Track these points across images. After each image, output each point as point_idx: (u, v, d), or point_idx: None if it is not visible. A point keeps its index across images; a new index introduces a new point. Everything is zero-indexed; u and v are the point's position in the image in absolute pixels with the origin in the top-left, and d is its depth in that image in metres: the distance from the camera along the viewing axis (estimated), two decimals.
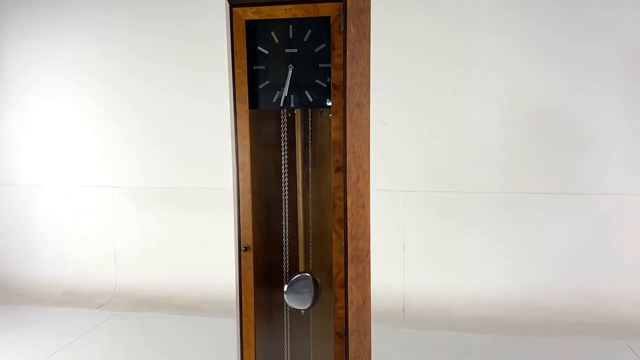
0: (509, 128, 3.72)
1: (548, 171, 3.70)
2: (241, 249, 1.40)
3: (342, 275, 1.36)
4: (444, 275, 3.86)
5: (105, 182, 4.28)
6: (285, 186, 1.43)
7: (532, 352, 3.20)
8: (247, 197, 1.39)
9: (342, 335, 1.38)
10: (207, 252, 4.17)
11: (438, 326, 3.58)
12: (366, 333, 1.44)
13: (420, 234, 3.90)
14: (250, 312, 1.42)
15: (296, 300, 1.40)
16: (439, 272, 3.87)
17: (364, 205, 1.41)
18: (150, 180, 4.21)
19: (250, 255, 1.40)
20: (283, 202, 1.44)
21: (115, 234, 4.31)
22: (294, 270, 1.42)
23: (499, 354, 3.19)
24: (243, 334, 1.42)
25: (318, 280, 1.41)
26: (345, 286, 1.36)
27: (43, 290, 4.31)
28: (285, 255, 1.44)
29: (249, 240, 1.39)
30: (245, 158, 1.36)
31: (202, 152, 4.11)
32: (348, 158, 1.31)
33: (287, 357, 1.47)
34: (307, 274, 1.40)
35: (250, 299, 1.41)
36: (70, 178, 4.33)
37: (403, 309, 3.81)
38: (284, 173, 1.42)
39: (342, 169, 1.31)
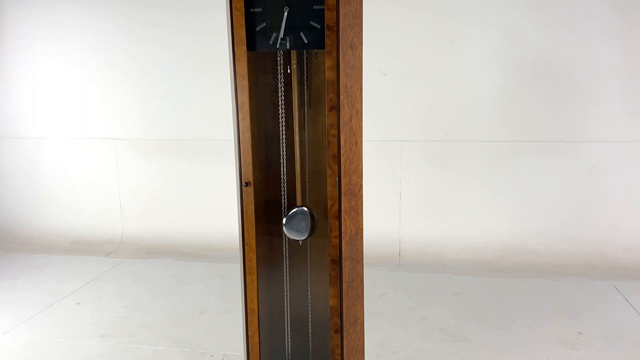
0: (503, 77, 3.76)
1: (541, 119, 3.77)
2: (242, 185, 1.50)
3: (336, 207, 1.46)
4: (439, 223, 3.99)
5: (108, 134, 4.35)
6: (282, 126, 1.51)
7: (521, 292, 3.36)
8: (246, 136, 1.47)
9: (337, 262, 1.49)
10: (210, 202, 4.29)
11: (432, 270, 3.73)
12: (359, 260, 1.56)
13: (416, 183, 4.00)
14: (251, 241, 1.53)
15: (294, 231, 1.51)
16: (434, 219, 3.99)
17: (356, 142, 1.50)
18: (153, 132, 4.28)
19: (250, 190, 1.50)
20: (280, 141, 1.52)
21: (120, 185, 4.42)
22: (292, 204, 1.52)
23: (490, 293, 3.34)
24: (246, 262, 1.54)
25: (314, 214, 1.52)
26: (339, 217, 1.47)
27: (51, 240, 4.45)
28: (284, 190, 1.54)
29: (249, 176, 1.49)
30: (244, 98, 1.43)
31: (205, 104, 4.17)
32: (341, 97, 1.39)
33: (286, 284, 1.58)
34: (304, 208, 1.51)
35: (251, 230, 1.52)
36: (74, 130, 4.41)
37: (399, 254, 3.96)
38: (281, 113, 1.51)
39: (335, 108, 1.40)
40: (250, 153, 1.47)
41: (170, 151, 4.29)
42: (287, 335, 1.61)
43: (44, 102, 4.42)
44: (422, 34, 3.80)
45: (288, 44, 1.37)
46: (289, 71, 1.44)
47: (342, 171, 1.44)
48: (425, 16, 3.78)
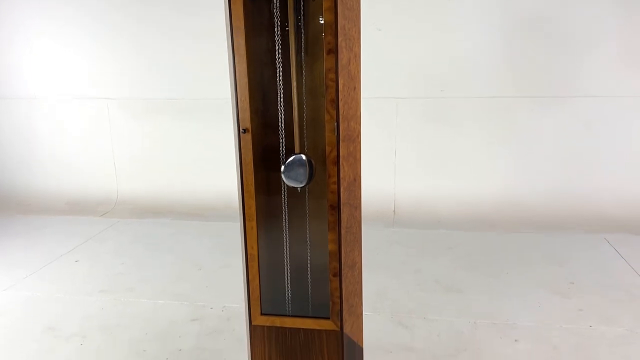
0: (499, 33, 3.73)
1: (537, 75, 3.75)
2: (240, 131, 1.50)
3: (334, 153, 1.47)
4: (434, 179, 4.01)
5: (100, 93, 4.30)
6: (279, 72, 1.50)
7: (514, 245, 3.41)
8: (243, 81, 1.46)
9: (335, 207, 1.51)
10: (204, 161, 4.28)
11: (426, 225, 3.77)
12: (357, 207, 1.57)
13: (412, 140, 4.01)
14: (250, 188, 1.54)
15: (292, 178, 1.51)
16: (429, 176, 4.01)
17: (355, 88, 1.50)
18: (146, 91, 4.24)
19: (248, 137, 1.49)
20: (278, 87, 1.51)
21: (113, 145, 4.39)
22: (290, 151, 1.52)
23: (483, 246, 3.40)
24: (245, 209, 1.55)
25: (312, 161, 1.52)
26: (337, 164, 1.47)
27: (46, 200, 4.45)
28: (282, 137, 1.54)
29: (247, 123, 1.48)
30: (240, 40, 1.41)
31: (198, 63, 4.11)
32: (339, 40, 1.38)
33: (285, 231, 1.60)
34: (302, 155, 1.51)
35: (250, 177, 1.53)
36: (67, 90, 4.35)
37: (394, 211, 3.99)
38: (279, 59, 1.49)
39: (333, 51, 1.39)
40: (247, 99, 1.46)
41: (164, 110, 4.25)
42: (287, 281, 1.63)
43: (35, 62, 4.35)
44: None
45: None
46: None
47: (340, 116, 1.43)
48: None
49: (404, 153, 4.01)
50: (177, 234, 3.75)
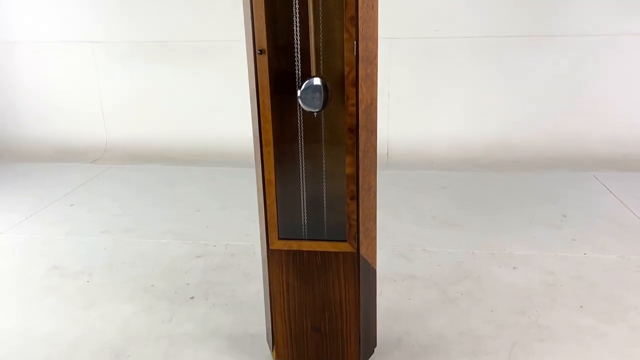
0: None
1: (529, 14, 3.74)
2: (256, 52, 1.47)
3: (353, 74, 1.46)
4: (426, 122, 4.03)
5: (85, 37, 4.17)
6: None
7: (506, 184, 3.48)
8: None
9: (353, 130, 1.52)
10: (195, 107, 4.22)
11: (420, 167, 3.82)
12: (373, 131, 1.58)
13: (405, 82, 4.00)
14: (267, 113, 1.53)
15: (309, 103, 1.51)
16: (422, 118, 4.03)
17: (372, 6, 1.48)
18: (133, 34, 4.12)
19: (264, 58, 1.48)
20: (294, 8, 1.49)
21: (100, 91, 4.29)
22: (306, 75, 1.51)
23: (476, 186, 3.46)
24: (262, 134, 1.55)
25: (328, 85, 1.51)
26: (356, 85, 1.47)
27: (32, 148, 4.36)
28: (298, 61, 1.53)
29: (263, 43, 1.46)
30: None
31: (190, 4, 3.99)
32: None
33: (301, 154, 1.61)
34: (318, 78, 1.50)
35: (266, 101, 1.52)
36: (50, 34, 4.20)
37: (387, 154, 4.02)
38: None
39: None
40: (263, 18, 1.44)
41: (153, 54, 4.15)
42: (303, 206, 1.65)
43: (16, 4, 4.17)
44: None
45: None
46: None
47: (359, 35, 1.42)
48: None
49: (396, 95, 4.00)
50: (171, 179, 3.73)
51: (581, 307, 2.12)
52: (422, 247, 2.64)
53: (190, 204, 3.26)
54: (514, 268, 2.42)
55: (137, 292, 2.30)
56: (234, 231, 2.85)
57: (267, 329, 1.84)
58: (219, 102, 4.14)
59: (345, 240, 1.63)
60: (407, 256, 2.55)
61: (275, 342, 1.77)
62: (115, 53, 4.17)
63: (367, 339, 1.78)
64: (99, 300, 2.25)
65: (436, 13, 3.80)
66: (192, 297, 2.25)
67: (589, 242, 2.64)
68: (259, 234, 1.73)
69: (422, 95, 3.98)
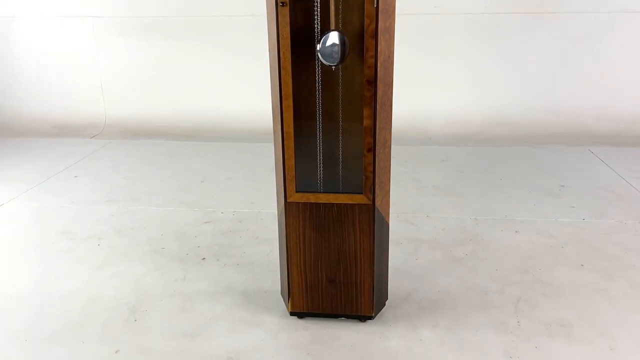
0: None
1: None
2: (278, 4, 1.51)
3: (372, 26, 1.50)
4: (425, 97, 4.08)
5: (85, 11, 4.15)
6: None
7: (504, 157, 3.55)
8: None
9: (372, 83, 1.56)
10: (196, 83, 4.24)
11: (419, 143, 3.87)
12: (390, 85, 1.63)
13: (404, 58, 4.02)
14: (287, 65, 1.57)
15: (327, 56, 1.55)
16: (421, 94, 4.08)
17: None
18: (133, 9, 4.11)
19: (286, 11, 1.51)
20: None
21: (100, 66, 4.29)
22: (325, 29, 1.55)
23: (475, 159, 3.53)
24: (282, 87, 1.59)
25: (346, 39, 1.55)
26: (375, 36, 1.51)
27: (32, 124, 4.36)
28: (317, 15, 1.57)
29: None
30: None
31: None
32: None
33: (318, 103, 1.65)
34: (337, 32, 1.54)
35: (287, 54, 1.56)
36: (47, 8, 4.18)
37: None
38: None
39: None
40: None
41: (152, 29, 4.15)
42: (320, 161, 1.70)
43: None
44: None
45: None
46: None
47: None
48: None
49: (396, 71, 4.03)
50: (173, 152, 3.75)
51: (582, 265, 2.20)
52: (426, 214, 2.70)
53: (195, 175, 3.29)
54: (516, 232, 2.49)
55: (148, 254, 2.33)
56: (240, 199, 2.89)
57: (282, 282, 1.90)
58: (221, 78, 4.15)
59: (361, 193, 1.68)
60: (412, 221, 2.61)
61: (291, 294, 1.82)
62: (115, 28, 4.16)
63: (380, 291, 1.84)
64: (111, 261, 2.28)
65: None
66: (204, 258, 2.29)
67: (588, 209, 2.72)
68: (275, 189, 1.77)
69: (421, 71, 4.03)
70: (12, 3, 4.17)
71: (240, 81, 4.05)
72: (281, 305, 1.94)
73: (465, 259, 2.26)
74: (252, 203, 2.84)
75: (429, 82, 4.04)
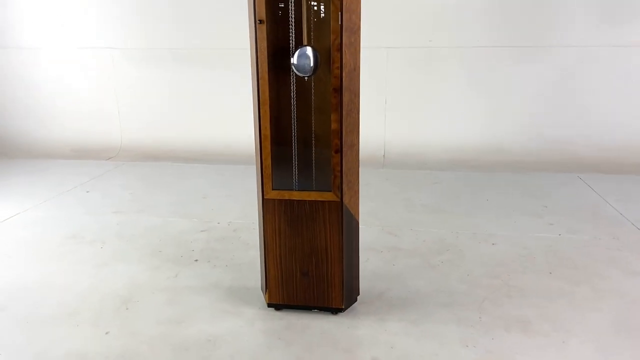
0: None
1: (518, 26, 4.02)
2: (256, 22, 1.73)
3: (338, 40, 1.71)
4: (421, 126, 4.27)
5: (104, 43, 4.49)
6: None
7: (494, 182, 3.69)
8: None
9: (338, 90, 1.75)
10: (204, 110, 4.50)
11: (413, 167, 4.04)
12: (356, 94, 1.82)
13: (401, 88, 4.26)
14: (265, 75, 1.78)
15: (300, 68, 1.76)
16: (417, 122, 4.28)
17: None
18: (148, 41, 4.43)
19: (264, 27, 1.73)
20: None
21: (117, 94, 4.59)
22: (299, 44, 1.77)
23: (466, 183, 3.67)
24: (260, 94, 1.79)
25: (317, 54, 1.77)
26: (340, 50, 1.72)
27: (51, 147, 4.64)
28: (291, 32, 1.79)
29: (262, 14, 1.72)
30: None
31: (197, 15, 4.31)
32: None
33: (293, 111, 1.85)
34: (309, 47, 1.75)
35: (264, 65, 1.77)
36: (70, 40, 4.53)
37: (384, 155, 4.26)
38: None
39: None
40: None
41: (165, 60, 4.46)
42: (294, 162, 1.88)
43: (39, 12, 4.52)
44: None
45: None
46: None
47: (343, 8, 1.68)
48: None
49: (393, 101, 4.26)
50: (180, 173, 3.98)
51: (550, 273, 2.31)
52: (410, 227, 2.85)
53: (198, 193, 3.49)
54: (493, 244, 2.62)
55: (146, 256, 2.52)
56: (236, 212, 3.08)
57: (261, 276, 2.06)
58: (228, 105, 4.42)
59: (330, 190, 1.86)
60: (395, 233, 2.76)
61: (268, 286, 1.98)
62: (132, 59, 4.48)
63: (350, 286, 1.98)
64: (110, 261, 2.47)
65: (430, 25, 4.08)
66: (196, 260, 2.47)
67: (565, 226, 2.84)
68: (255, 189, 1.96)
69: (417, 101, 4.23)
70: (39, 36, 4.53)
71: (245, 109, 4.30)
72: (261, 299, 2.09)
73: (440, 265, 2.40)
74: (247, 215, 3.02)
75: (425, 111, 4.24)
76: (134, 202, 3.32)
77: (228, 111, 4.42)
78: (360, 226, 2.74)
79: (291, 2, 1.77)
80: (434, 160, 4.14)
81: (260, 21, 1.73)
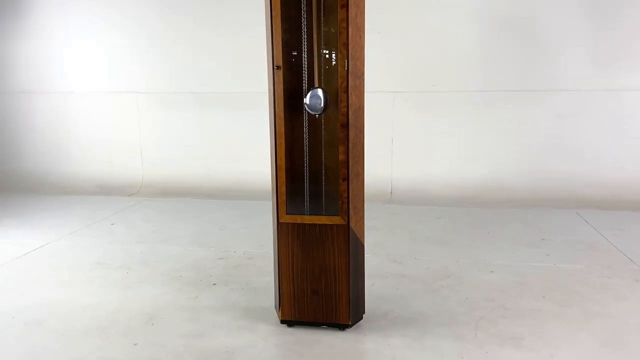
0: (483, 35, 4.28)
1: (515, 72, 4.29)
2: (274, 68, 1.99)
3: (345, 84, 1.96)
4: (426, 164, 4.51)
5: (130, 88, 4.83)
6: (304, 26, 2.01)
7: (496, 217, 3.88)
8: (277, 21, 1.95)
9: (345, 126, 1.99)
10: (223, 150, 4.78)
11: (419, 203, 4.25)
12: (361, 130, 2.06)
13: (407, 129, 4.52)
14: (281, 113, 2.02)
15: (312, 107, 2.00)
16: (422, 161, 4.51)
17: (360, 36, 1.99)
18: (172, 86, 4.77)
19: (280, 73, 1.99)
20: (302, 39, 2.02)
21: (140, 134, 4.90)
22: (311, 86, 2.02)
23: (469, 218, 3.86)
24: (276, 130, 2.03)
25: (327, 95, 2.02)
26: (346, 92, 1.97)
27: (78, 184, 4.93)
28: (304, 76, 2.05)
29: (279, 61, 1.98)
30: (276, 3, 1.93)
31: (218, 61, 4.65)
32: None
33: (305, 144, 2.08)
34: (320, 89, 2.01)
35: (281, 104, 2.01)
36: (99, 84, 4.88)
37: (391, 192, 4.48)
38: (303, 17, 2.01)
39: (345, 6, 1.89)
40: (279, 41, 1.96)
41: (187, 103, 4.77)
42: (306, 189, 2.11)
43: (70, 59, 4.89)
44: None
45: None
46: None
47: (349, 55, 1.93)
48: None
49: (399, 141, 4.51)
50: (199, 208, 4.22)
51: (544, 297, 2.48)
52: (414, 257, 3.04)
53: (215, 225, 3.72)
54: (491, 272, 2.80)
55: (168, 280, 2.73)
56: (252, 243, 3.29)
57: (275, 294, 2.25)
58: (245, 144, 4.69)
59: (338, 215, 2.08)
60: (400, 262, 2.95)
61: (281, 304, 2.18)
62: (155, 101, 4.81)
63: (356, 304, 2.17)
64: (136, 284, 2.68)
65: (434, 70, 4.37)
66: (214, 284, 2.67)
67: (561, 256, 3.01)
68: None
69: (422, 141, 4.48)
70: (71, 81, 4.89)
71: (262, 147, 4.57)
72: (275, 318, 2.28)
73: (441, 289, 2.58)
74: (262, 245, 3.23)
75: (430, 150, 4.48)
76: (156, 233, 3.55)
77: (244, 150, 4.69)
78: (367, 255, 2.95)
79: (304, 51, 2.03)
80: (439, 196, 4.34)
81: (278, 67, 2.00)
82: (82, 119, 4.99)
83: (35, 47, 4.92)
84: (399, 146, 4.52)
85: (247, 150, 4.66)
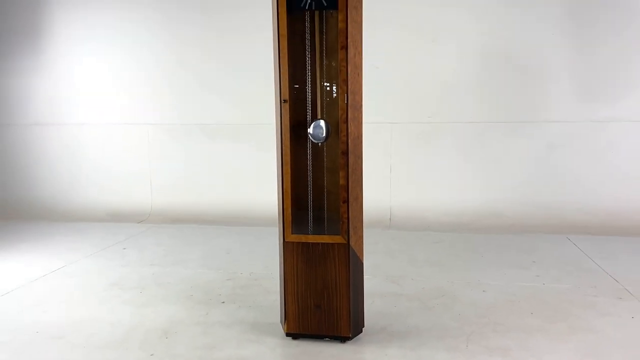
0: (474, 70, 4.54)
1: (506, 104, 4.53)
2: (282, 101, 2.21)
3: (345, 115, 2.18)
4: (423, 192, 4.71)
5: (141, 119, 5.08)
6: (308, 65, 2.24)
7: (489, 242, 4.06)
8: (284, 60, 2.19)
9: (345, 153, 2.20)
10: (229, 178, 5.00)
11: (417, 229, 4.44)
12: (359, 157, 2.26)
13: (404, 159, 4.74)
14: (287, 143, 2.23)
15: (315, 136, 2.22)
16: (419, 189, 4.71)
17: (358, 74, 2.22)
18: (181, 118, 5.01)
19: (287, 106, 2.21)
20: (307, 77, 2.26)
21: (150, 164, 5.12)
22: (314, 117, 2.25)
23: (464, 243, 4.05)
24: (283, 157, 2.24)
25: (329, 125, 2.24)
26: (346, 122, 2.19)
27: (89, 212, 5.12)
28: (308, 108, 2.27)
29: (286, 95, 2.20)
30: (283, 43, 2.17)
31: (224, 94, 4.91)
32: (348, 40, 2.12)
33: (309, 170, 2.29)
34: (322, 120, 2.23)
35: (287, 135, 2.23)
36: (110, 116, 5.13)
37: (390, 218, 4.67)
38: (308, 55, 2.24)
39: (345, 47, 2.13)
40: (286, 77, 2.19)
41: (194, 133, 5.01)
42: (310, 210, 2.31)
43: (85, 93, 5.16)
44: (407, 33, 4.59)
45: (313, 5, 2.12)
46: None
47: (348, 91, 2.16)
48: (410, 20, 4.58)
49: (398, 170, 4.73)
50: (205, 234, 4.41)
51: (531, 313, 2.65)
52: (411, 278, 3.21)
53: (222, 249, 3.90)
54: (484, 291, 2.98)
55: (180, 299, 2.91)
56: (258, 265, 3.48)
57: (280, 309, 2.43)
58: (249, 175, 4.91)
59: (339, 234, 2.27)
60: (398, 282, 3.13)
61: (286, 318, 2.35)
62: (164, 132, 5.05)
63: (356, 317, 2.35)
64: (150, 303, 2.86)
65: (429, 103, 4.62)
66: (223, 302, 2.85)
67: (550, 277, 3.19)
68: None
69: (419, 170, 4.69)
70: (83, 113, 5.15)
71: (267, 175, 4.79)
72: (281, 332, 2.45)
73: (435, 307, 2.75)
74: (267, 267, 3.41)
75: (426, 179, 4.69)
76: (167, 256, 3.74)
77: (247, 179, 4.91)
78: (367, 276, 3.13)
79: (308, 86, 2.27)
80: (436, 222, 4.53)
81: (285, 100, 2.23)
82: (92, 151, 5.22)
83: (52, 82, 5.19)
84: (398, 174, 4.73)
85: (251, 179, 4.88)
